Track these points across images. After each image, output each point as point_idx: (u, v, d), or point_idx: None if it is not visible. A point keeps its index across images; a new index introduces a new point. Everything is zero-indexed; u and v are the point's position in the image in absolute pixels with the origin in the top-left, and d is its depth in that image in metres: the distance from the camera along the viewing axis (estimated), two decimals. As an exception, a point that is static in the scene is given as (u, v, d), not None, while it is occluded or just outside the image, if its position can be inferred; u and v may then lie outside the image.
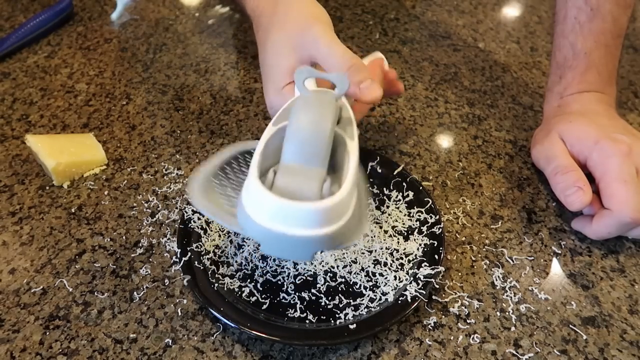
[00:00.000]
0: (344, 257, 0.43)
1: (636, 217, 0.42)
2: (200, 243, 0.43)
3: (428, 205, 0.46)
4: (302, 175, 0.32)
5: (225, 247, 0.44)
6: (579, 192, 0.44)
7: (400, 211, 0.47)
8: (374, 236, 0.45)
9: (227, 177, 0.38)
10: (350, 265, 0.43)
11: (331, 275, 0.42)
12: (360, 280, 0.42)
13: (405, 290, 0.40)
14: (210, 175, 0.37)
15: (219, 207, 0.35)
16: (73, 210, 0.47)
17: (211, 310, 0.38)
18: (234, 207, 0.35)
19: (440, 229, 0.44)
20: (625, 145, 0.44)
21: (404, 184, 0.48)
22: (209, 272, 0.41)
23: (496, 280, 0.43)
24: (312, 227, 0.30)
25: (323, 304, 0.40)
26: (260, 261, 0.43)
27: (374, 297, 0.40)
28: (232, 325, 0.37)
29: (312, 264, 0.43)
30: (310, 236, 0.30)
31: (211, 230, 0.45)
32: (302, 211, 0.30)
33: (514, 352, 0.39)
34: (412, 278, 0.41)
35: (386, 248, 0.44)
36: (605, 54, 0.51)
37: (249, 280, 0.42)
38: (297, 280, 0.42)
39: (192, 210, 0.45)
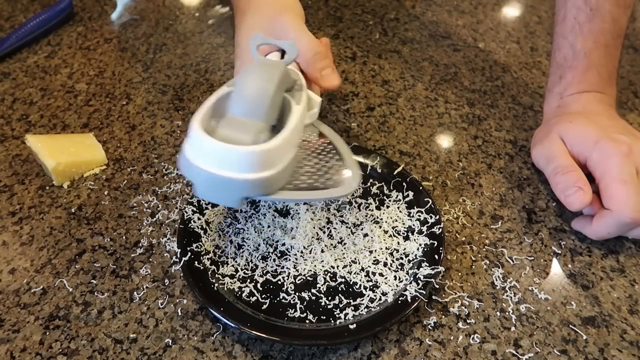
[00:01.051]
0: (344, 257, 0.43)
1: (636, 217, 0.42)
2: (200, 243, 0.43)
3: (428, 205, 0.46)
4: (241, 125, 0.34)
5: (225, 247, 0.44)
6: (579, 192, 0.44)
7: (400, 211, 0.47)
8: (374, 236, 0.45)
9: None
10: (350, 265, 0.43)
11: (331, 275, 0.42)
12: (360, 280, 0.42)
13: (405, 290, 0.40)
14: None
15: None
16: (73, 210, 0.47)
17: (211, 310, 0.38)
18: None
19: (440, 229, 0.44)
20: (626, 145, 0.44)
21: (404, 184, 0.48)
22: (209, 272, 0.41)
23: (496, 280, 0.43)
24: (239, 171, 0.33)
25: (323, 304, 0.40)
26: (260, 261, 0.43)
27: (374, 297, 0.40)
28: (232, 325, 0.37)
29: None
30: (236, 179, 0.33)
31: (211, 230, 0.45)
32: (230, 153, 0.32)
33: (514, 352, 0.39)
34: (412, 278, 0.41)
35: (386, 248, 0.44)
36: (605, 54, 0.51)
37: (249, 280, 0.42)
38: (297, 280, 0.42)
39: (192, 210, 0.45)
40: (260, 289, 0.41)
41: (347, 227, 0.46)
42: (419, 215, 0.46)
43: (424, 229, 0.45)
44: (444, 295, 0.42)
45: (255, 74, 0.36)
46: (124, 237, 0.45)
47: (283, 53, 0.45)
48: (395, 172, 0.49)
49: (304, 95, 0.40)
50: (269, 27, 0.46)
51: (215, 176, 0.33)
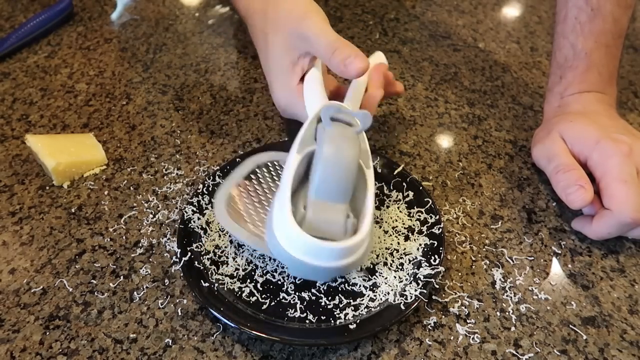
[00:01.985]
0: (344, 257, 0.43)
1: (636, 218, 0.42)
2: (200, 243, 0.43)
3: (428, 205, 0.46)
4: (329, 212, 0.36)
5: (225, 247, 0.44)
6: (580, 190, 0.44)
7: (400, 211, 0.47)
8: (374, 236, 0.45)
9: (248, 190, 0.43)
10: (350, 265, 0.43)
11: (331, 275, 0.42)
12: (360, 280, 0.42)
13: (405, 290, 0.40)
14: (231, 188, 0.42)
15: (243, 225, 0.40)
16: (73, 210, 0.47)
17: (211, 310, 0.38)
18: (257, 224, 0.40)
19: (440, 229, 0.44)
20: (626, 145, 0.44)
21: (404, 184, 0.48)
22: (209, 272, 0.41)
23: (496, 280, 0.43)
24: (337, 260, 0.35)
25: (323, 304, 0.40)
26: (260, 261, 0.43)
27: (374, 297, 0.40)
28: (232, 325, 0.37)
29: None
30: (334, 267, 0.35)
31: (211, 230, 0.45)
32: (330, 250, 0.34)
33: (514, 352, 0.39)
34: (412, 278, 0.41)
35: (386, 248, 0.44)
36: (605, 54, 0.51)
37: (249, 280, 0.42)
38: (297, 280, 0.42)
39: (192, 210, 0.45)
40: (260, 289, 0.41)
41: (347, 227, 0.46)
42: (419, 215, 0.46)
43: (424, 229, 0.45)
44: (444, 295, 0.42)
45: (339, 153, 0.36)
46: (124, 237, 0.45)
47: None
48: (395, 172, 0.49)
49: (370, 158, 0.41)
50: (294, 40, 0.45)
51: (312, 265, 0.35)
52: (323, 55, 0.43)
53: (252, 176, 0.44)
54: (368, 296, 0.41)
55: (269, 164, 0.45)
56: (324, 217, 0.36)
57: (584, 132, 0.47)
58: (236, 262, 0.43)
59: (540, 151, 0.50)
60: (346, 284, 0.41)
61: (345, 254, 0.35)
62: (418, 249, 0.44)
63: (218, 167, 0.49)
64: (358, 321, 0.38)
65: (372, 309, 0.39)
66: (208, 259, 0.43)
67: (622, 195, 0.42)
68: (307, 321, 0.39)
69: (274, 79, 0.48)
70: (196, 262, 0.42)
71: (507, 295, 0.42)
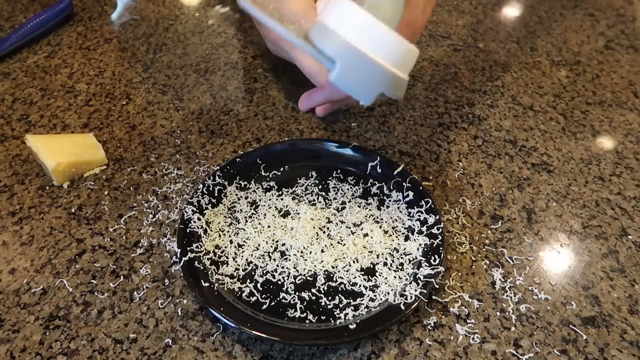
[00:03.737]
0: (344, 257, 0.43)
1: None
2: (200, 243, 0.43)
3: (428, 205, 0.46)
4: (386, 12, 0.32)
5: (225, 247, 0.44)
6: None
7: (400, 211, 0.47)
8: (374, 236, 0.45)
9: None
10: (350, 265, 0.43)
11: (331, 275, 0.42)
12: (360, 280, 0.42)
13: (405, 290, 0.40)
14: None
15: (272, 15, 0.34)
16: (73, 210, 0.47)
17: (211, 310, 0.38)
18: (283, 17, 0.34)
19: (440, 229, 0.44)
20: None
21: (404, 184, 0.48)
22: (209, 272, 0.41)
23: (496, 280, 0.43)
24: (390, 60, 0.30)
25: (323, 304, 0.40)
26: (260, 261, 0.43)
27: (374, 297, 0.40)
28: (232, 325, 0.37)
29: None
30: (385, 68, 0.30)
31: (211, 230, 0.45)
32: (390, 39, 0.30)
33: (514, 352, 0.39)
34: (412, 278, 0.41)
35: (386, 248, 0.44)
36: None
37: (249, 280, 0.42)
38: (297, 280, 0.42)
39: (192, 210, 0.45)
40: (260, 289, 0.41)
41: (347, 227, 0.46)
42: (419, 215, 0.46)
43: (424, 229, 0.45)
44: (444, 295, 0.42)
45: None
46: (124, 237, 0.45)
47: None
48: (395, 172, 0.49)
49: None
50: None
51: (366, 58, 0.30)
52: None
53: None
54: (368, 296, 0.41)
55: None
56: (381, 5, 0.31)
57: None
58: (236, 262, 0.43)
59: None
60: (346, 284, 0.42)
61: (399, 58, 0.31)
62: (418, 249, 0.44)
63: (218, 167, 0.49)
64: (358, 321, 0.38)
65: (372, 309, 0.39)
66: (208, 259, 0.43)
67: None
68: (307, 321, 0.39)
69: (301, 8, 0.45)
70: (196, 262, 0.42)
71: (507, 295, 0.42)
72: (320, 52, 0.32)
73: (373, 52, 0.30)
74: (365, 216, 0.47)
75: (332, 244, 0.44)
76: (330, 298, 0.41)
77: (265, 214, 0.46)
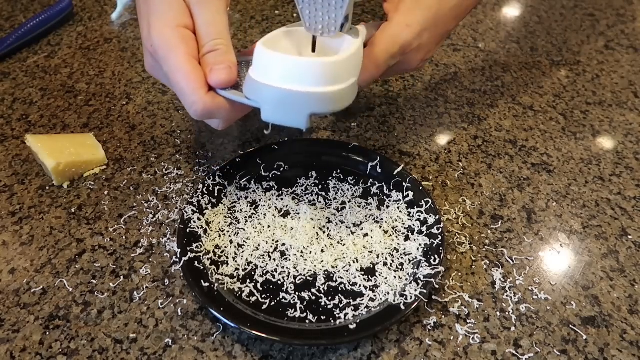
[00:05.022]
0: (344, 257, 0.43)
1: None
2: (200, 243, 0.43)
3: (428, 205, 0.46)
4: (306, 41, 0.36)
5: (225, 247, 0.44)
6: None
7: (400, 211, 0.47)
8: (374, 236, 0.45)
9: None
10: (350, 265, 0.43)
11: (331, 275, 0.42)
12: (360, 280, 0.42)
13: (405, 290, 0.40)
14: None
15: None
16: (73, 210, 0.47)
17: (211, 310, 0.38)
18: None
19: (440, 229, 0.44)
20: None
21: (404, 184, 0.48)
22: (209, 272, 0.41)
23: (496, 280, 0.43)
24: (306, 84, 0.33)
25: (323, 304, 0.40)
26: (260, 261, 0.43)
27: (374, 297, 0.40)
28: (232, 325, 0.37)
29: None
30: (303, 92, 0.33)
31: (211, 230, 0.45)
32: (297, 65, 0.32)
33: (514, 352, 0.39)
34: (412, 278, 0.41)
35: (386, 248, 0.44)
36: None
37: (249, 280, 0.42)
38: (297, 280, 0.42)
39: (192, 210, 0.45)
40: (260, 289, 0.41)
41: (347, 227, 0.46)
42: (419, 215, 0.46)
43: (424, 229, 0.45)
44: (444, 295, 0.42)
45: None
46: (124, 237, 0.45)
47: None
48: (395, 172, 0.49)
49: (362, 31, 0.40)
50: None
51: (283, 91, 0.33)
52: (200, 42, 0.38)
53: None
54: (368, 296, 0.41)
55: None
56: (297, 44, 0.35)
57: None
58: (236, 262, 0.43)
59: None
60: (346, 284, 0.42)
61: (321, 77, 0.33)
62: (418, 249, 0.44)
63: (218, 167, 0.49)
64: (358, 321, 0.38)
65: (372, 309, 0.39)
66: (208, 259, 0.43)
67: None
68: (307, 321, 0.39)
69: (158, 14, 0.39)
70: (196, 262, 0.42)
71: (507, 295, 0.42)
72: (251, 101, 0.36)
73: (280, 81, 0.33)
74: (365, 216, 0.47)
75: (332, 244, 0.44)
76: (330, 298, 0.41)
77: (265, 214, 0.46)
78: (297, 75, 0.33)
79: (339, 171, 0.51)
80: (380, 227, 0.46)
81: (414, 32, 0.42)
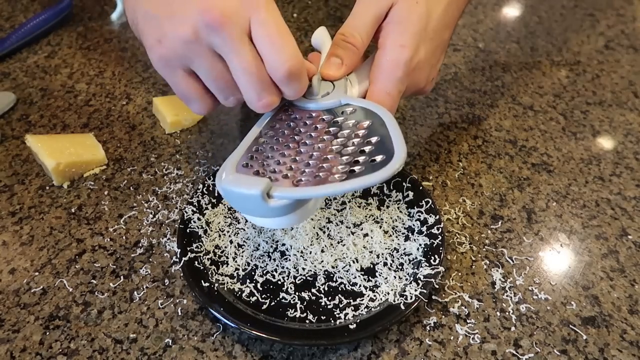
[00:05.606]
0: (344, 257, 0.43)
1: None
2: (200, 243, 0.43)
3: (428, 205, 0.46)
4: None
5: (225, 247, 0.44)
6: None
7: (400, 211, 0.47)
8: (374, 236, 0.45)
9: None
10: (351, 265, 0.43)
11: (331, 275, 0.42)
12: (360, 280, 0.42)
13: (405, 290, 0.40)
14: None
15: None
16: (73, 210, 0.47)
17: (211, 310, 0.38)
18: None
19: (440, 229, 0.44)
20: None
21: (404, 184, 0.48)
22: (209, 272, 0.41)
23: (496, 280, 0.43)
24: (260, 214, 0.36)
25: (323, 304, 0.40)
26: (260, 261, 0.43)
27: (374, 297, 0.40)
28: (232, 325, 0.37)
29: (310, 262, 0.43)
30: (264, 221, 0.37)
31: (211, 230, 0.45)
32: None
33: (514, 352, 0.39)
34: (412, 278, 0.41)
35: (386, 248, 0.44)
36: None
37: (249, 280, 0.42)
38: (297, 280, 0.42)
39: (192, 210, 0.45)
40: (260, 289, 0.41)
41: (347, 227, 0.46)
42: (419, 215, 0.46)
43: (424, 229, 0.45)
44: (444, 295, 0.42)
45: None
46: (124, 237, 0.45)
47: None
48: (395, 172, 0.49)
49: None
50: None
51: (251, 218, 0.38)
52: (271, 64, 0.36)
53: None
54: (368, 296, 0.41)
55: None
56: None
57: None
58: (236, 262, 0.43)
59: None
60: (346, 284, 0.42)
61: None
62: (418, 249, 0.44)
63: (218, 167, 0.49)
64: (358, 321, 0.38)
65: (372, 309, 0.39)
66: (208, 259, 0.43)
67: None
68: (307, 321, 0.39)
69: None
70: (196, 262, 0.42)
71: (507, 295, 0.42)
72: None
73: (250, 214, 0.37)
74: (365, 216, 0.47)
75: (332, 244, 0.44)
76: (330, 298, 0.41)
77: (265, 214, 0.46)
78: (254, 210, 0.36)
79: (339, 171, 0.51)
80: (380, 227, 0.46)
81: (410, 49, 0.42)
